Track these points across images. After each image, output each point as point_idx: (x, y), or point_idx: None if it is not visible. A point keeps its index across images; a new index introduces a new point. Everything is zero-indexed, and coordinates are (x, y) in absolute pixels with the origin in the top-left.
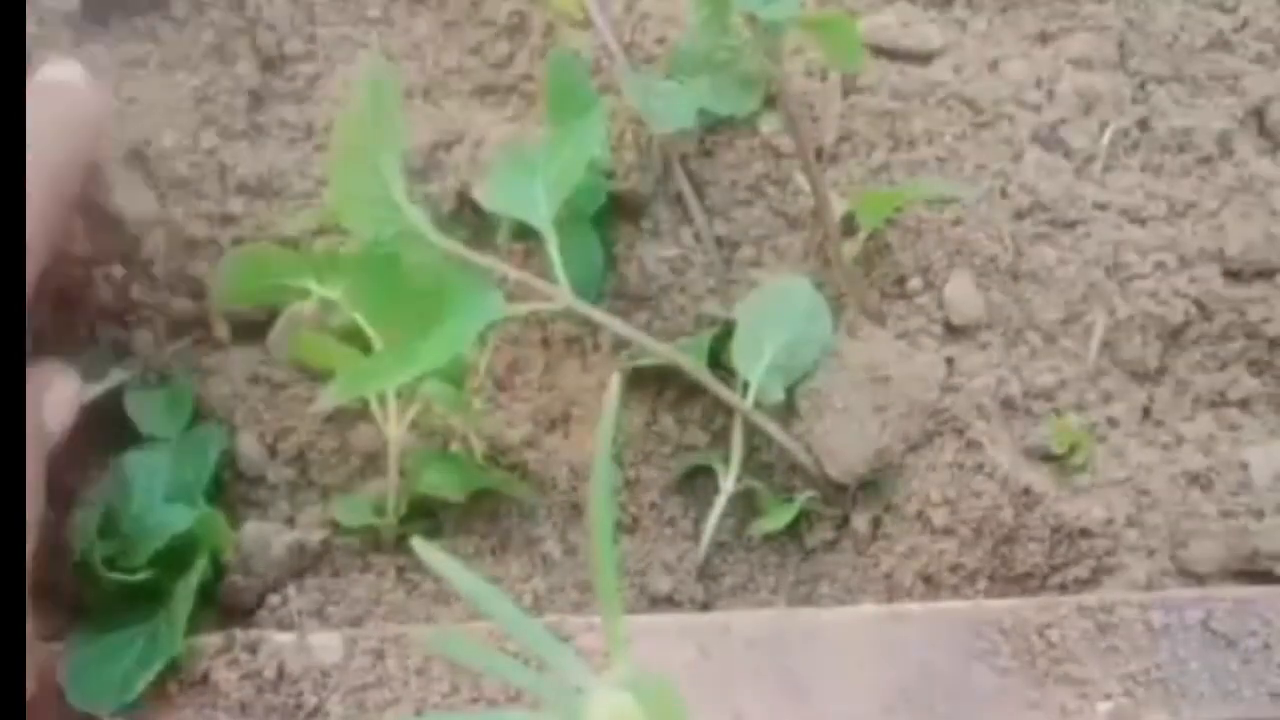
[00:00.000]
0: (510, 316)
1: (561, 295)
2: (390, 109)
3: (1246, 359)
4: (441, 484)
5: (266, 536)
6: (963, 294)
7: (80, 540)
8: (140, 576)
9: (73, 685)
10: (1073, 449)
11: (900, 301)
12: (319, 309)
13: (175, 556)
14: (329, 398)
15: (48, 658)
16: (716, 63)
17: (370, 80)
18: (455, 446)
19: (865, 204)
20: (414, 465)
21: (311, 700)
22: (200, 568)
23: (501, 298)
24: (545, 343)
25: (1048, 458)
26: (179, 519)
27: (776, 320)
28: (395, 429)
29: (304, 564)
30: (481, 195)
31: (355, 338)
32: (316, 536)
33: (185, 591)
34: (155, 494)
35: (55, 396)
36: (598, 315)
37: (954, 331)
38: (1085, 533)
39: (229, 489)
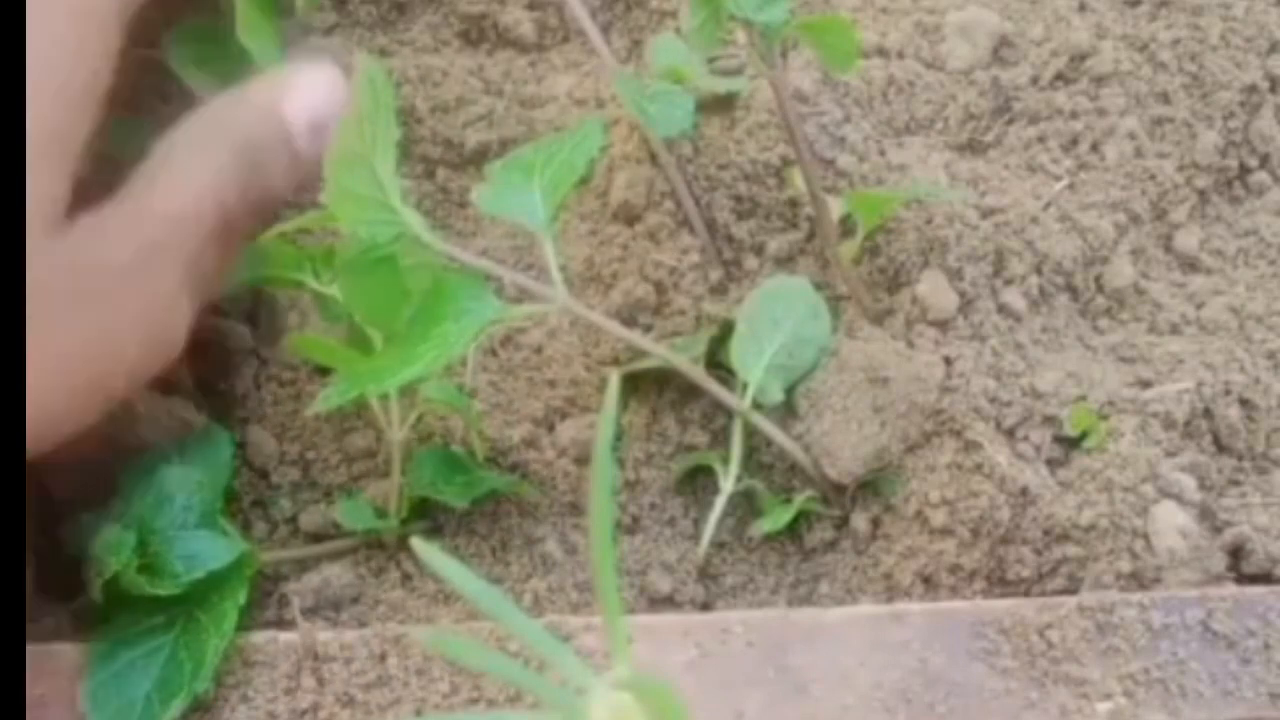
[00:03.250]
0: (510, 316)
1: (558, 297)
2: (387, 111)
3: None
4: (445, 486)
5: None
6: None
7: (114, 556)
8: (172, 602)
9: (94, 706)
10: (1086, 433)
11: (898, 301)
12: (317, 305)
13: (209, 587)
14: (327, 399)
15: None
16: (713, 66)
17: (367, 82)
18: (456, 447)
19: (862, 205)
20: (417, 466)
21: (311, 700)
22: (234, 607)
23: (498, 299)
24: (545, 343)
25: (1048, 459)
26: (217, 554)
27: (776, 320)
28: (398, 430)
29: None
30: (478, 198)
31: (357, 334)
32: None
33: (217, 630)
34: (190, 514)
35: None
36: (594, 317)
37: (951, 331)
38: (1083, 532)
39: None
